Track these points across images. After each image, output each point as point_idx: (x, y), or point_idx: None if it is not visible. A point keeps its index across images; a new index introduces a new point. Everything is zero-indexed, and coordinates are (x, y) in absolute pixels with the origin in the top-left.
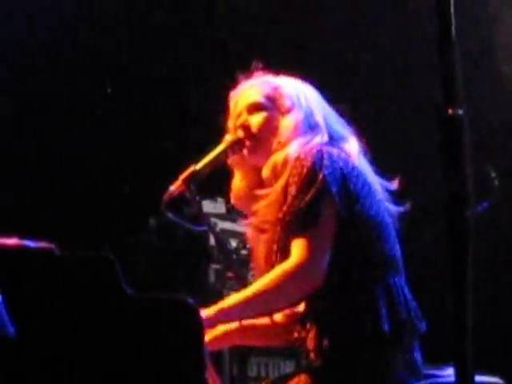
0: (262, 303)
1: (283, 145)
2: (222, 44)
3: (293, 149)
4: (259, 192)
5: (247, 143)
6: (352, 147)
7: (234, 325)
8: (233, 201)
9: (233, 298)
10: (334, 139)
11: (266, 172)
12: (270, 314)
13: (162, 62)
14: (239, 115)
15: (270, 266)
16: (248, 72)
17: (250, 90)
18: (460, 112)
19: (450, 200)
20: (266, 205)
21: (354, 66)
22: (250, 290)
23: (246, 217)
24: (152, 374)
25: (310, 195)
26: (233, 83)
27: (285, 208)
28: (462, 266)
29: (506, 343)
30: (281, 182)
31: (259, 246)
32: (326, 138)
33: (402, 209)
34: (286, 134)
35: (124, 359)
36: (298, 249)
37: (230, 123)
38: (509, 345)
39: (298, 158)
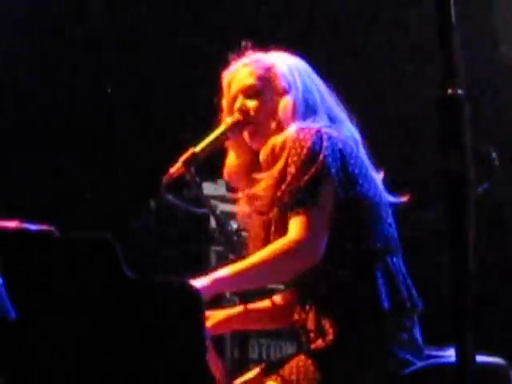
0: (258, 276)
1: (281, 127)
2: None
3: (291, 131)
4: (257, 175)
5: (247, 127)
6: (347, 129)
7: (236, 309)
8: (226, 177)
9: (228, 269)
10: (331, 119)
11: (263, 154)
12: (264, 286)
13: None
14: (235, 98)
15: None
16: (239, 51)
17: (243, 70)
18: (460, 91)
19: (450, 179)
20: (264, 188)
21: (349, 49)
22: (247, 261)
23: (237, 196)
24: (153, 356)
25: (309, 175)
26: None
27: (283, 187)
28: (463, 247)
29: (508, 324)
30: (279, 165)
31: (256, 227)
32: (324, 119)
33: (397, 200)
34: (284, 116)
35: (125, 342)
36: (296, 226)
37: (225, 103)
38: (510, 325)
39: (297, 139)
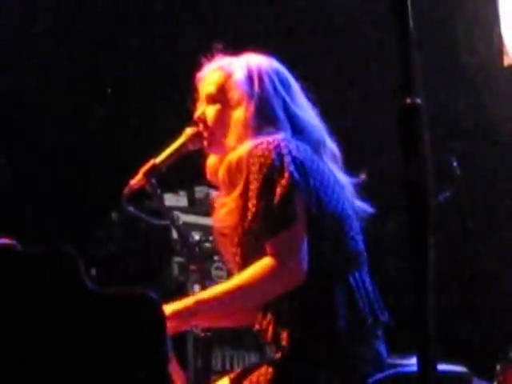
0: (240, 298)
1: (235, 143)
2: None
3: (246, 148)
4: (219, 200)
5: (205, 135)
6: (313, 134)
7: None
8: (208, 177)
9: (211, 290)
10: (294, 127)
11: (221, 175)
12: (247, 308)
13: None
14: (201, 103)
15: (237, 266)
16: (209, 54)
17: (211, 76)
18: (418, 101)
19: (410, 189)
20: (226, 212)
21: (315, 54)
22: (232, 283)
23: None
24: (115, 368)
25: (278, 196)
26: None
27: (250, 216)
28: (424, 256)
29: (471, 332)
30: (239, 188)
31: (225, 245)
32: (285, 129)
33: (367, 206)
34: (236, 131)
35: (86, 355)
36: (275, 249)
37: (198, 100)
38: (473, 333)
39: (255, 155)
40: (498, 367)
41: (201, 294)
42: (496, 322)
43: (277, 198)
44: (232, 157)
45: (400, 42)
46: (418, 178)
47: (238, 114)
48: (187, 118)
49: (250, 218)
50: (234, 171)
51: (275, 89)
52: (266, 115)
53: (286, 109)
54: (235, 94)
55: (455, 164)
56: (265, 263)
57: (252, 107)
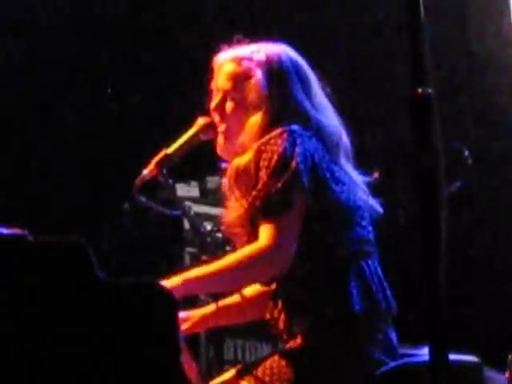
0: (228, 279)
1: (246, 147)
2: None
3: (254, 149)
4: (229, 204)
5: (220, 129)
6: (327, 127)
7: (209, 308)
8: (219, 153)
9: (198, 270)
10: (310, 120)
11: (228, 180)
12: (231, 291)
13: None
14: (217, 90)
15: None
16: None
17: (228, 67)
18: (429, 91)
19: (423, 179)
20: (237, 216)
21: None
22: (216, 264)
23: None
24: (126, 359)
25: (281, 182)
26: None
27: (254, 192)
28: (436, 248)
29: (483, 322)
30: (247, 191)
31: (235, 243)
32: (301, 121)
33: (378, 206)
34: (249, 134)
35: (98, 345)
36: (266, 232)
37: (213, 86)
38: (485, 323)
39: (268, 143)
40: (510, 357)
41: (187, 274)
42: (509, 312)
43: (278, 185)
44: (240, 161)
45: (411, 32)
46: (429, 167)
47: (257, 119)
48: (200, 107)
49: (254, 194)
50: (240, 176)
51: (296, 88)
52: (284, 118)
53: (306, 109)
54: (254, 97)
55: (467, 153)
56: (251, 247)
57: (270, 111)
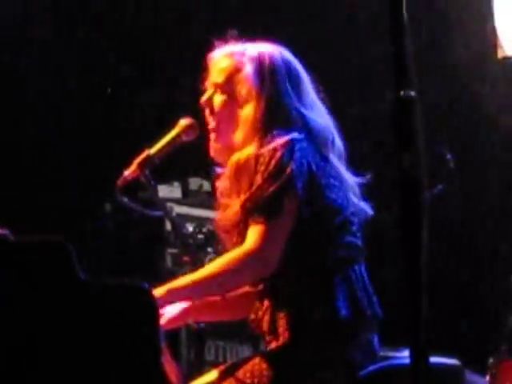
0: (211, 285)
1: (243, 142)
2: None
3: (254, 151)
4: (225, 201)
5: (210, 124)
6: (321, 129)
7: (187, 303)
8: (212, 155)
9: (183, 279)
10: (305, 129)
11: (228, 174)
12: (218, 295)
13: None
14: (209, 87)
15: None
16: (224, 39)
17: (221, 62)
18: (412, 93)
19: (404, 182)
20: (233, 213)
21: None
22: (202, 271)
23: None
24: (107, 359)
25: (274, 187)
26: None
27: (248, 194)
28: (416, 251)
29: (464, 325)
30: (244, 190)
31: (228, 241)
32: (292, 132)
33: (368, 208)
34: (245, 130)
35: (78, 345)
36: (253, 235)
37: (207, 83)
38: (466, 326)
39: (267, 149)
40: (491, 360)
41: (172, 283)
42: (490, 315)
43: (271, 189)
44: (240, 156)
45: (394, 35)
46: (411, 170)
47: (247, 112)
48: (179, 108)
49: (247, 196)
50: (241, 171)
51: (286, 86)
52: (275, 115)
53: (296, 108)
54: (244, 89)
55: (449, 157)
56: (237, 251)
57: (262, 106)
